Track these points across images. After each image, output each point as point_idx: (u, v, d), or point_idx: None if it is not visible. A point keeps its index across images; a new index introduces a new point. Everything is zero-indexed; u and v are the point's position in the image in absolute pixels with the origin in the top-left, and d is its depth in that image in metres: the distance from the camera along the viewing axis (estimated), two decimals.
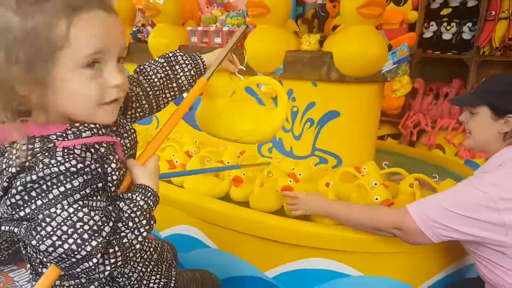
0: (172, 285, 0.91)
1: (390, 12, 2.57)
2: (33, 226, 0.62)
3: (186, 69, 0.93)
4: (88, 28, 0.63)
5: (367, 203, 1.39)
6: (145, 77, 0.89)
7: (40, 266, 0.74)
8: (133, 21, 2.46)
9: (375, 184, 1.47)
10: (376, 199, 1.39)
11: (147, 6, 2.08)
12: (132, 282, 0.83)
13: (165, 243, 1.01)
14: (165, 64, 0.91)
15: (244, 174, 1.62)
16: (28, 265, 0.77)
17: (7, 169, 0.62)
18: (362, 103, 1.72)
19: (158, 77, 0.89)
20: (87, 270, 0.64)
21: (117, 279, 0.80)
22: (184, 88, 0.94)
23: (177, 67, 0.92)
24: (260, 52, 1.70)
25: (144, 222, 0.71)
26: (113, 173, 0.69)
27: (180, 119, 0.86)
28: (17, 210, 0.62)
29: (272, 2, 1.65)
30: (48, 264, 0.70)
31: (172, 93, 0.93)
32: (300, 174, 1.60)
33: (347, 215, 1.26)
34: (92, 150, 0.67)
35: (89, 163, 0.65)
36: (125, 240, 0.67)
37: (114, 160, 0.70)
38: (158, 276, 0.89)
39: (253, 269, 1.45)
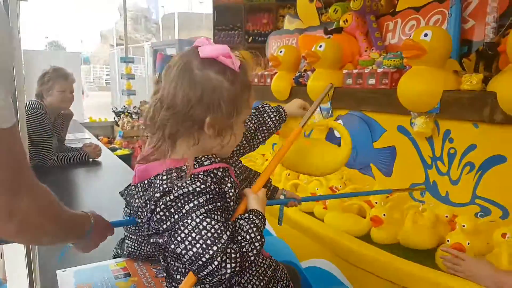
0: None
1: None
2: (172, 234, 0.81)
3: (272, 116, 1.22)
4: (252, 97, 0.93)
5: None
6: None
7: (176, 273, 0.91)
8: (297, 66, 2.69)
9: None
10: None
11: (308, 53, 2.27)
12: None
13: (281, 264, 1.08)
14: (256, 113, 1.20)
15: (384, 215, 1.56)
16: (165, 274, 0.96)
17: (153, 195, 0.84)
18: None
19: (253, 122, 1.18)
20: (211, 272, 0.79)
21: (234, 287, 0.93)
22: (272, 131, 1.22)
23: (265, 115, 1.21)
24: (414, 91, 1.65)
25: (258, 237, 0.85)
26: (230, 191, 0.87)
27: (282, 158, 1.10)
28: (162, 224, 0.82)
29: (430, 43, 1.61)
30: (183, 271, 0.87)
31: (263, 135, 1.20)
32: (463, 226, 1.41)
33: None
34: (212, 175, 0.86)
35: (209, 184, 0.83)
36: (243, 250, 0.82)
37: (229, 181, 0.88)
38: None
39: None
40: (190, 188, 0.81)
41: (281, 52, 2.62)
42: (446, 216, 1.51)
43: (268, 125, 1.21)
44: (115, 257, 1.47)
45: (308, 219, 1.72)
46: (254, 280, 0.96)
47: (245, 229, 0.85)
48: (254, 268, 0.95)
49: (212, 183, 0.84)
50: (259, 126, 1.19)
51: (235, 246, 0.81)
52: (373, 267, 1.39)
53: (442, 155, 1.68)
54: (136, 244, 1.40)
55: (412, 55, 1.65)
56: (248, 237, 0.84)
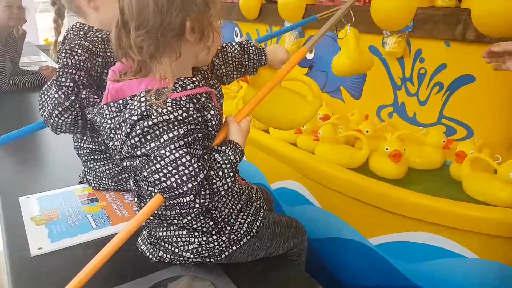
0: (258, 223, 1.02)
1: None
2: (146, 161, 0.76)
3: (252, 58, 1.11)
4: None
5: None
6: (224, 55, 1.07)
7: (149, 197, 0.88)
8: None
9: None
10: None
11: None
12: (223, 216, 0.95)
13: (255, 186, 1.11)
14: (239, 50, 1.09)
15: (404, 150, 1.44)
16: (136, 199, 0.96)
17: (130, 117, 0.77)
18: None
19: (233, 60, 1.08)
20: (181, 204, 0.78)
21: (211, 211, 0.94)
22: (248, 73, 1.14)
23: (246, 56, 1.10)
24: (387, 8, 1.58)
25: (231, 173, 0.82)
26: (212, 118, 0.82)
27: (276, 85, 1.00)
28: (135, 149, 0.77)
29: None
30: (153, 194, 0.84)
31: (238, 75, 1.12)
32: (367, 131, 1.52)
33: None
34: (195, 100, 0.80)
35: (192, 112, 0.77)
36: (214, 186, 0.79)
37: (212, 108, 0.83)
38: (246, 213, 1.01)
39: (356, 234, 1.43)
40: (171, 116, 0.75)
41: None
42: None
43: (246, 67, 1.12)
44: (80, 183, 1.43)
45: (281, 143, 1.71)
46: (230, 204, 0.97)
47: (218, 164, 0.81)
48: (230, 193, 0.96)
49: (195, 111, 0.78)
50: (239, 66, 1.10)
51: (205, 182, 0.77)
52: (347, 188, 1.40)
53: (412, 76, 1.66)
54: (97, 179, 1.35)
55: None
56: (220, 173, 0.80)
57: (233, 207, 0.98)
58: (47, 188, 1.38)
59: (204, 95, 0.83)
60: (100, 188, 1.36)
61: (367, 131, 1.58)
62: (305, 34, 2.16)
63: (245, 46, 1.11)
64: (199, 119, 0.79)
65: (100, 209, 1.26)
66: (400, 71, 1.70)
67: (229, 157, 0.82)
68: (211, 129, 0.83)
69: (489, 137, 1.50)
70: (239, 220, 0.99)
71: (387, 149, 1.41)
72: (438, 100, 1.59)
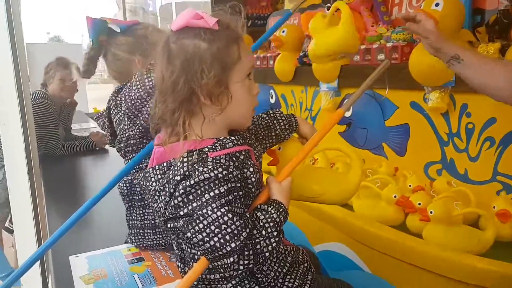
0: (306, 287, 0.97)
1: None
2: (189, 221, 0.76)
3: (282, 123, 1.10)
4: (246, 51, 0.86)
5: None
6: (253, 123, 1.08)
7: (192, 260, 0.86)
8: (301, 46, 2.60)
9: None
10: None
11: None
12: (269, 280, 0.91)
13: (301, 248, 1.05)
14: (266, 118, 1.10)
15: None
16: (179, 263, 0.94)
17: (173, 178, 0.79)
18: None
19: (261, 127, 1.08)
20: (225, 266, 0.76)
21: (256, 275, 0.90)
22: (280, 139, 1.10)
23: (274, 121, 1.10)
24: (426, 64, 1.57)
25: (275, 233, 0.80)
26: (252, 176, 0.83)
27: (313, 147, 0.97)
28: (179, 210, 0.77)
29: (442, 13, 1.51)
30: (196, 257, 0.83)
31: (270, 141, 1.09)
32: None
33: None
34: (234, 158, 0.81)
35: (231, 170, 0.78)
36: (257, 246, 0.77)
37: (251, 165, 0.84)
38: (293, 276, 0.95)
39: None
40: (212, 174, 0.76)
41: (283, 32, 2.53)
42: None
43: (275, 131, 1.10)
44: (126, 243, 1.45)
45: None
46: (276, 267, 0.93)
47: (261, 223, 0.79)
48: (275, 255, 0.93)
49: (235, 169, 0.79)
50: (268, 131, 1.10)
51: (249, 242, 0.76)
52: (404, 253, 1.31)
53: (459, 131, 1.60)
54: (139, 237, 1.36)
55: None
56: (264, 232, 0.79)
57: (279, 269, 0.93)
58: (96, 247, 1.41)
59: (243, 153, 0.84)
60: (144, 245, 1.37)
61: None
62: (341, 92, 2.18)
63: (272, 112, 1.13)
64: (239, 176, 0.79)
65: (145, 268, 1.27)
66: (446, 127, 1.65)
67: (271, 215, 0.81)
68: (251, 186, 0.83)
69: None
70: (286, 284, 0.94)
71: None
72: (491, 156, 1.51)
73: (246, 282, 0.89)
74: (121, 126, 1.29)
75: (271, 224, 0.80)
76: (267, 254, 0.79)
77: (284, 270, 0.95)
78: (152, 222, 1.34)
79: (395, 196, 1.48)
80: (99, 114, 1.41)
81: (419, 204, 1.38)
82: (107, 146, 3.07)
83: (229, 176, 0.77)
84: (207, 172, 0.76)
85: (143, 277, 1.22)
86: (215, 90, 0.81)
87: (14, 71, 1.23)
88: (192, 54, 0.80)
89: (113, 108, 1.32)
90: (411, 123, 1.81)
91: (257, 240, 0.78)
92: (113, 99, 1.34)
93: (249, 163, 0.84)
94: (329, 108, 2.18)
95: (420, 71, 1.60)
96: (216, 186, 0.76)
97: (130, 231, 1.38)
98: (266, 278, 0.91)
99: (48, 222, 1.67)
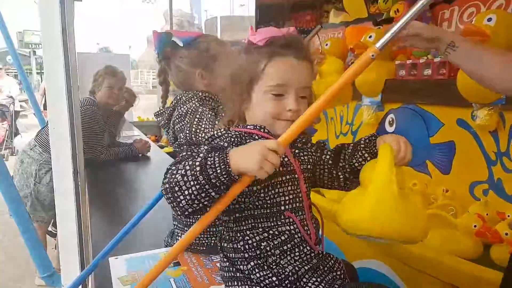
0: None
1: None
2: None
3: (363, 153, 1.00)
4: (276, 68, 0.92)
5: None
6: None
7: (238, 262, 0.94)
8: (344, 59, 2.60)
9: None
10: None
11: (357, 45, 2.17)
12: (287, 273, 0.92)
13: (339, 259, 1.03)
14: (332, 154, 1.05)
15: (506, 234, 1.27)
16: (221, 255, 1.00)
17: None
18: None
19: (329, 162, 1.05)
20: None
21: (271, 266, 0.93)
22: (355, 169, 0.99)
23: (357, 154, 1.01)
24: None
25: (196, 175, 0.82)
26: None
27: (340, 89, 0.85)
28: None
29: (494, 28, 1.48)
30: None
31: (342, 171, 1.03)
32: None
33: None
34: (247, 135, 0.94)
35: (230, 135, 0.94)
36: (174, 178, 0.85)
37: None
38: (319, 280, 0.94)
39: None
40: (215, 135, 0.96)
41: (326, 45, 2.54)
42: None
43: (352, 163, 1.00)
44: (166, 246, 1.48)
45: None
46: (296, 264, 0.94)
47: (193, 161, 0.83)
48: (297, 253, 0.94)
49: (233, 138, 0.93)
50: (334, 165, 1.03)
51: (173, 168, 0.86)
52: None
53: (509, 150, 1.54)
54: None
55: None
56: (187, 167, 0.83)
57: (299, 266, 0.94)
58: (136, 250, 1.45)
59: (258, 136, 0.93)
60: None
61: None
62: (385, 107, 2.15)
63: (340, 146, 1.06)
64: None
65: (181, 273, 1.29)
66: (494, 145, 1.59)
67: (207, 159, 0.82)
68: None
69: None
70: (309, 285, 0.93)
71: None
72: None
73: (262, 270, 0.92)
74: (181, 134, 1.32)
75: (197, 164, 0.81)
76: (179, 194, 0.82)
77: (305, 269, 0.94)
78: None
79: (475, 226, 1.35)
80: (161, 111, 1.44)
81: (506, 234, 1.29)
82: (149, 153, 3.18)
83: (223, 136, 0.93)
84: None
85: (178, 281, 1.24)
86: (241, 92, 0.97)
87: (65, 78, 1.29)
88: (234, 59, 1.04)
89: (177, 117, 1.34)
90: (457, 141, 1.76)
91: (175, 172, 0.84)
92: (176, 106, 1.38)
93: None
94: (371, 122, 2.15)
95: (469, 87, 1.56)
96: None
97: (176, 231, 1.42)
98: (283, 271, 0.92)
99: (90, 225, 1.74)
